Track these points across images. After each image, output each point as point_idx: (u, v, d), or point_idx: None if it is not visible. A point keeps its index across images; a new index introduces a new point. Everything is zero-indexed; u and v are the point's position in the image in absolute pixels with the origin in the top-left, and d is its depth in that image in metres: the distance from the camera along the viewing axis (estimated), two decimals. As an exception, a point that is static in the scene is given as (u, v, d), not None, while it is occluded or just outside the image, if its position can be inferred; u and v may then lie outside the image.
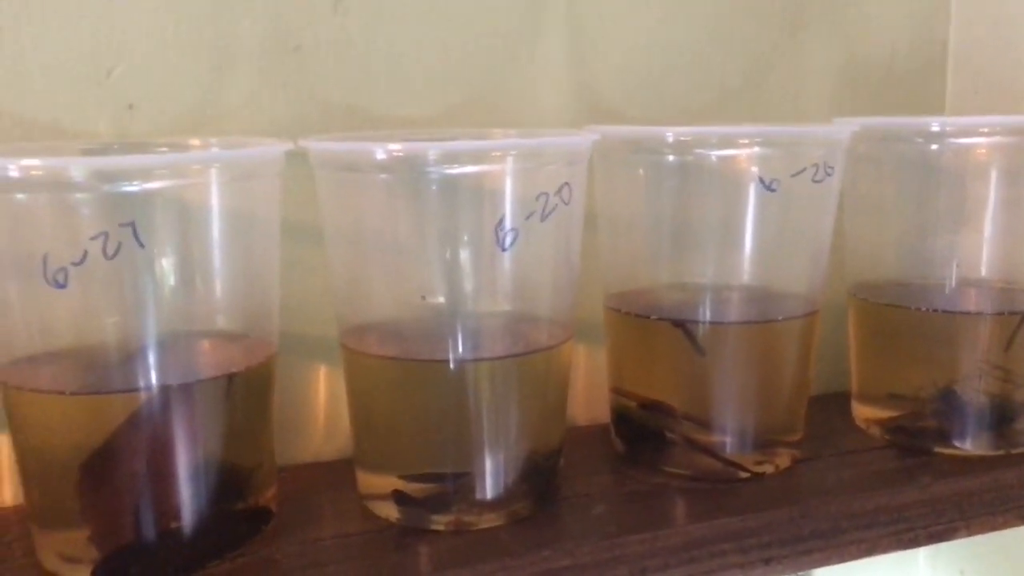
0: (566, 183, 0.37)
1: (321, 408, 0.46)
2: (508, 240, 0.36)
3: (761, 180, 0.39)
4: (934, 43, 0.54)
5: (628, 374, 0.46)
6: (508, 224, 0.36)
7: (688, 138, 0.40)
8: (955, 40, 0.54)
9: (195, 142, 0.40)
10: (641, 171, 0.43)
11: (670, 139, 0.40)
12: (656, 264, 0.44)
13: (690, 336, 0.42)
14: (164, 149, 0.40)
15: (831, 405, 0.51)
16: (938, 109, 0.54)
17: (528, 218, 0.37)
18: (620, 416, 0.46)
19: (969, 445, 0.46)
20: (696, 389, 0.43)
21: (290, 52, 0.43)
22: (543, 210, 0.37)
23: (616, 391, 0.46)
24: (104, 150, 0.39)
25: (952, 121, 0.44)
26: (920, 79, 0.54)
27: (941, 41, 0.54)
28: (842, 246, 0.48)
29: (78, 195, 0.32)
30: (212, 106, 0.42)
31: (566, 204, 0.37)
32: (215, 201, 0.35)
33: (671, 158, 0.41)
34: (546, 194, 0.37)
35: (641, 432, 0.45)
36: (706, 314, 0.42)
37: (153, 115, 0.42)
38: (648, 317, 0.43)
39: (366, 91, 0.44)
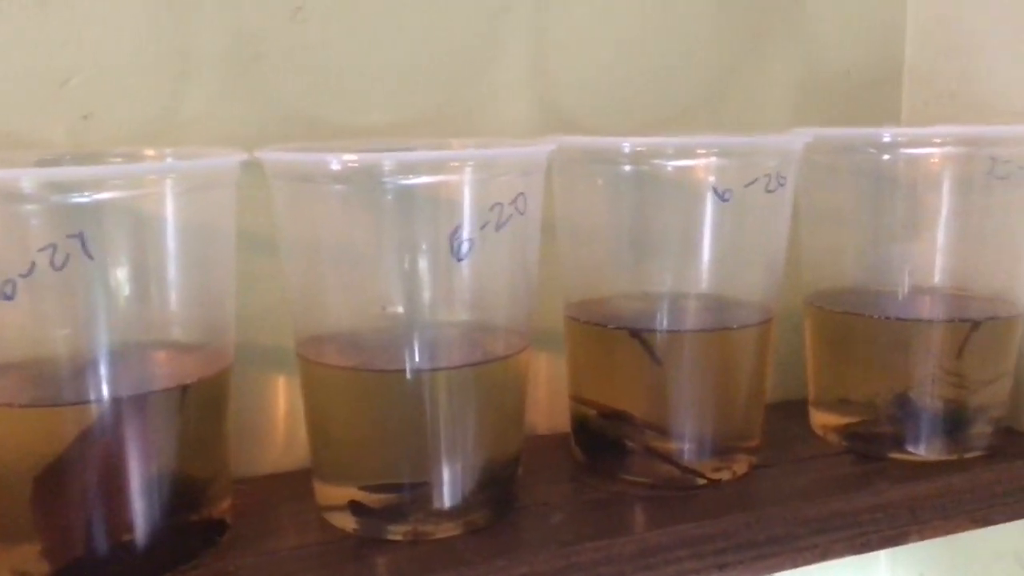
0: (521, 193, 0.38)
1: (280, 419, 0.46)
2: (463, 250, 0.36)
3: (715, 190, 0.40)
4: (890, 56, 0.55)
5: (587, 382, 0.46)
6: (463, 234, 0.36)
7: (644, 148, 0.41)
8: (910, 53, 0.55)
9: (150, 152, 0.40)
10: (599, 181, 0.43)
11: (626, 150, 0.41)
12: (614, 273, 0.44)
13: (646, 345, 0.43)
14: (118, 159, 0.40)
15: (789, 412, 0.52)
16: (895, 120, 0.55)
17: (483, 228, 0.37)
18: (580, 424, 0.47)
19: (923, 450, 0.47)
20: (654, 397, 0.44)
21: (250, 61, 0.43)
22: (498, 220, 0.37)
23: (576, 399, 0.47)
24: (58, 160, 0.39)
25: (903, 132, 0.45)
26: (877, 91, 0.55)
27: (897, 54, 0.55)
28: (799, 255, 0.49)
29: (27, 206, 0.32)
30: (171, 116, 0.42)
31: (521, 214, 0.38)
32: (169, 212, 0.35)
33: (628, 168, 0.42)
34: (501, 204, 0.37)
35: (600, 440, 0.46)
36: (662, 323, 0.43)
37: (110, 125, 0.41)
38: (606, 326, 0.44)
39: (327, 101, 0.45)
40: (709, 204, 0.40)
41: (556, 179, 0.44)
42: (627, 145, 0.41)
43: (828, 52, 0.54)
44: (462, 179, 0.37)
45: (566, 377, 0.47)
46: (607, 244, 0.44)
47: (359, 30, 0.45)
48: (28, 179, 0.32)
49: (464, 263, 0.37)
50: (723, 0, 0.51)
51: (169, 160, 0.40)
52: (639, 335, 0.43)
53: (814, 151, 0.44)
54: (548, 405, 0.51)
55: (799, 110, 0.52)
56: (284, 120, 0.44)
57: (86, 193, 0.33)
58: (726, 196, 0.40)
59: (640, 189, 0.42)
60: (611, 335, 0.44)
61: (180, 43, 0.42)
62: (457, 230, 0.36)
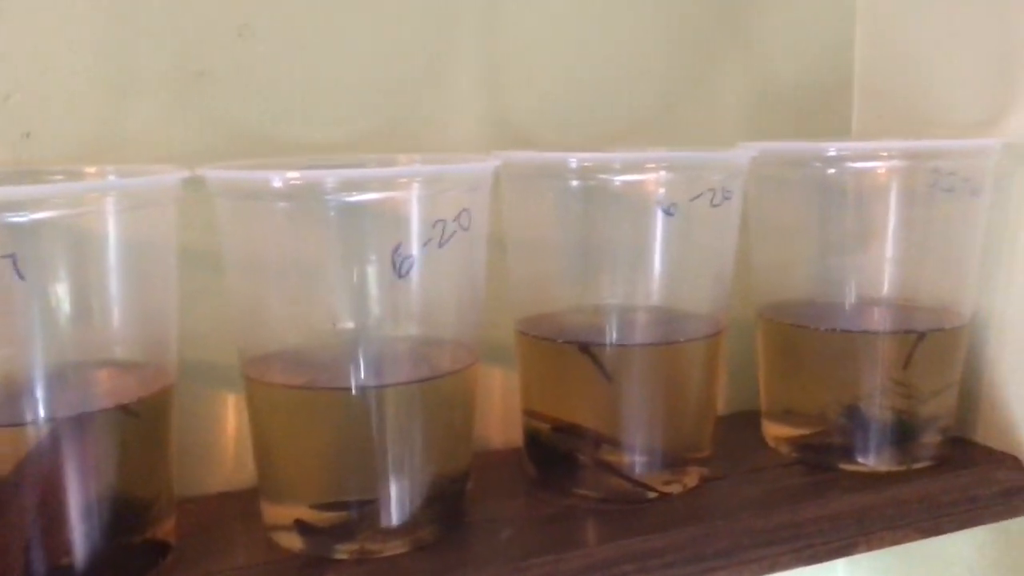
0: (465, 209, 0.38)
1: (229, 437, 0.46)
2: (405, 267, 0.36)
3: (660, 204, 0.40)
4: (840, 69, 0.56)
5: (539, 396, 0.46)
6: (406, 251, 0.36)
7: (590, 163, 0.41)
8: (860, 67, 0.56)
9: (91, 170, 0.40)
10: (548, 195, 0.44)
11: (573, 165, 0.41)
12: (563, 287, 0.44)
13: (596, 360, 0.43)
14: (59, 177, 0.39)
15: (742, 423, 0.52)
16: (846, 132, 0.56)
17: (426, 244, 0.37)
18: (532, 439, 0.47)
19: (872, 461, 0.47)
20: (605, 411, 0.44)
21: (194, 77, 0.43)
22: (442, 236, 0.37)
23: (528, 413, 0.47)
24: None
25: (847, 146, 0.45)
26: (828, 104, 0.55)
27: (847, 67, 0.56)
28: (750, 267, 0.49)
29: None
30: (114, 133, 0.42)
31: (465, 230, 0.38)
32: (108, 230, 0.35)
33: (575, 183, 0.42)
34: (443, 220, 0.37)
35: (552, 454, 0.46)
36: (612, 337, 0.43)
37: (52, 142, 0.41)
38: (555, 340, 0.44)
39: (274, 117, 0.44)
40: (655, 218, 0.40)
41: (505, 193, 0.44)
42: (574, 160, 0.41)
43: (778, 65, 0.54)
44: (405, 196, 0.37)
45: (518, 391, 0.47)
46: (556, 258, 0.44)
47: (306, 46, 0.44)
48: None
49: (408, 279, 0.37)
50: (673, 14, 0.51)
51: (110, 178, 0.39)
52: (588, 350, 0.43)
53: (763, 165, 0.45)
54: (502, 419, 0.51)
55: (750, 124, 0.53)
56: (230, 137, 0.44)
57: (23, 213, 0.32)
58: (671, 210, 0.40)
59: (588, 203, 0.42)
60: (561, 349, 0.44)
61: (124, 60, 0.42)
62: (399, 247, 0.36)
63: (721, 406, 0.53)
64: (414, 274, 0.37)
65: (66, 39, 0.41)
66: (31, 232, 0.33)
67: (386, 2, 0.46)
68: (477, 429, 0.43)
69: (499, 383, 0.50)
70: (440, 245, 0.37)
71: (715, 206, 0.41)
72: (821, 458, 0.48)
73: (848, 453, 0.47)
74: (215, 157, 0.42)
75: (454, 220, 0.37)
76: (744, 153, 0.43)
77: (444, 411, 0.40)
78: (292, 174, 0.36)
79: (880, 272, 0.47)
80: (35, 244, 0.33)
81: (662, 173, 0.40)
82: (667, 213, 0.40)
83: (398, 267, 0.36)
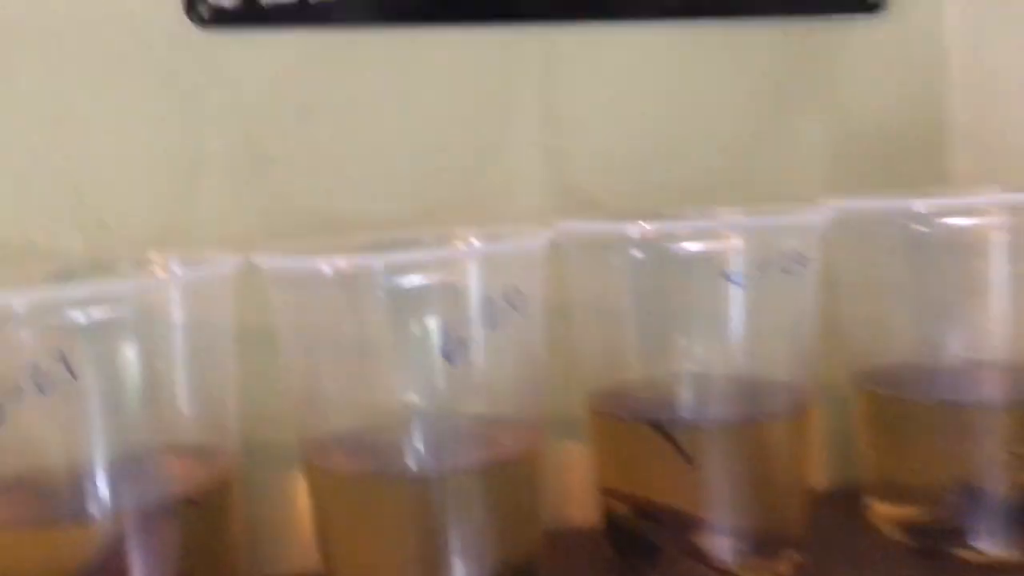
0: (516, 287, 0.36)
1: (302, 516, 0.45)
2: (458, 349, 0.35)
3: (725, 274, 0.37)
4: (932, 116, 0.51)
5: (615, 475, 0.44)
6: (461, 331, 0.35)
7: (651, 233, 0.39)
8: (956, 112, 0.51)
9: (156, 258, 0.40)
10: (611, 264, 0.42)
11: (632, 234, 0.39)
12: (631, 359, 0.42)
13: (671, 440, 0.40)
14: (127, 267, 0.40)
15: (843, 500, 0.47)
16: (941, 182, 0.51)
17: (478, 325, 0.36)
18: (609, 520, 0.44)
19: (990, 546, 0.42)
20: (684, 492, 0.41)
21: (258, 161, 0.44)
22: (493, 315, 0.36)
23: (605, 492, 0.44)
24: (71, 273, 0.40)
25: (938, 203, 0.41)
26: (920, 152, 0.51)
27: (939, 113, 0.52)
28: (843, 333, 0.46)
29: (17, 328, 0.33)
30: (183, 217, 0.43)
31: (516, 308, 0.36)
32: (169, 319, 0.36)
33: (637, 252, 0.40)
34: (493, 299, 0.35)
35: (630, 537, 0.43)
36: (688, 414, 0.40)
37: (126, 230, 0.43)
38: (626, 419, 0.41)
39: (336, 195, 0.45)
40: (722, 287, 0.38)
41: (569, 262, 0.42)
42: (633, 230, 0.39)
43: (862, 112, 0.50)
44: (455, 277, 0.36)
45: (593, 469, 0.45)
46: (622, 329, 0.42)
47: (365, 126, 0.45)
48: (20, 301, 0.33)
49: (461, 360, 0.36)
50: (744, 66, 0.48)
51: (173, 267, 0.40)
52: (662, 429, 0.40)
53: (844, 222, 0.41)
54: (581, 497, 0.48)
55: (831, 175, 0.49)
56: (296, 216, 0.44)
57: (83, 310, 0.33)
58: (736, 279, 0.37)
59: (652, 271, 0.40)
60: (634, 427, 0.41)
61: (189, 148, 0.43)
62: (450, 330, 0.35)
63: (820, 480, 0.49)
64: (468, 354, 0.36)
65: (135, 133, 0.42)
66: (86, 329, 0.33)
67: (442, 71, 0.45)
68: (556, 508, 0.41)
69: (577, 459, 0.48)
70: (493, 326, 0.36)
71: (787, 273, 0.38)
72: (933, 542, 0.43)
73: (964, 537, 0.42)
74: (279, 235, 0.43)
75: (506, 298, 0.36)
76: (818, 214, 0.39)
77: (508, 493, 0.38)
78: (340, 261, 0.36)
79: (987, 332, 0.42)
80: (92, 338, 0.34)
81: (726, 240, 0.38)
82: (733, 282, 0.37)
83: (450, 349, 0.35)
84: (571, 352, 0.43)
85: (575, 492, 0.48)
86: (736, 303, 0.38)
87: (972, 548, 0.42)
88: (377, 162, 0.45)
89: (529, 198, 0.47)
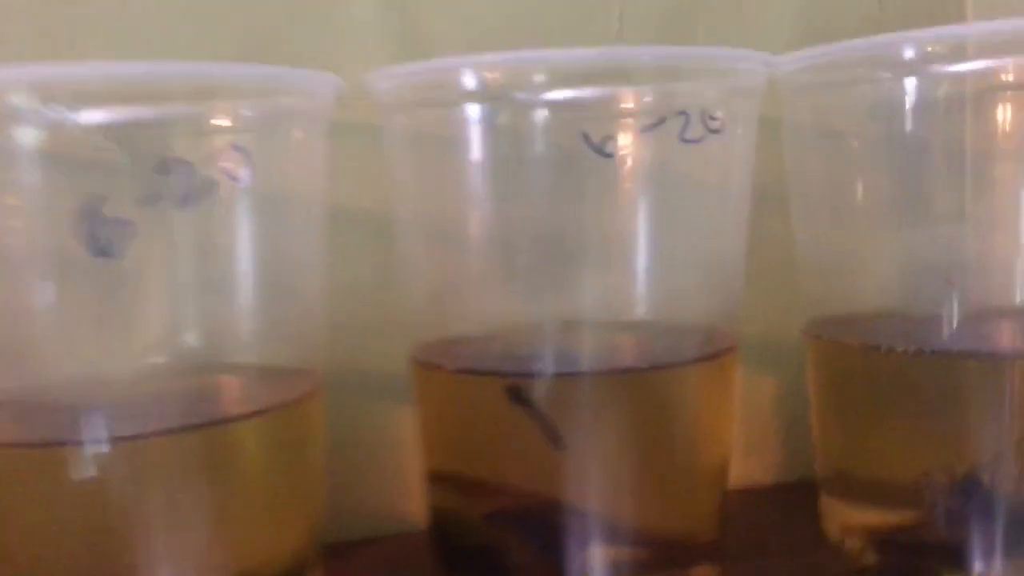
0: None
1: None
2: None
3: (587, 138, 0.24)
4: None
5: (444, 454, 0.30)
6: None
7: (494, 72, 0.25)
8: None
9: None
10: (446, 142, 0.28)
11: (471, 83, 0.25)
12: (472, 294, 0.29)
13: (528, 404, 0.27)
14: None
15: (789, 500, 0.35)
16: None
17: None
18: (437, 518, 0.31)
19: (1003, 571, 0.29)
20: (546, 479, 0.28)
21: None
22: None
23: (430, 478, 0.31)
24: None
25: (934, 34, 0.26)
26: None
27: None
28: (795, 264, 0.33)
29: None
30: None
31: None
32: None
33: (479, 113, 0.26)
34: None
35: (468, 543, 0.30)
36: (549, 368, 0.27)
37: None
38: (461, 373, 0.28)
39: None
40: (584, 161, 0.24)
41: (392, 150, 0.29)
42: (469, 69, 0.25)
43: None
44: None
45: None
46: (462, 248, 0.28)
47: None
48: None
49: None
50: None
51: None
52: (516, 390, 0.27)
53: (806, 88, 0.28)
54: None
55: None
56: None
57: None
58: (607, 148, 0.24)
59: (504, 147, 0.27)
60: (472, 385, 0.28)
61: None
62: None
63: (762, 470, 0.36)
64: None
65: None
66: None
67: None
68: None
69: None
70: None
71: (688, 141, 0.24)
72: (914, 561, 0.30)
73: (960, 556, 0.29)
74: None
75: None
76: (747, 59, 0.26)
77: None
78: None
79: (1001, 260, 0.29)
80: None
81: (592, 89, 0.24)
82: (600, 152, 0.24)
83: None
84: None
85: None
86: (600, 187, 0.24)
87: (967, 571, 0.29)
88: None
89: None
